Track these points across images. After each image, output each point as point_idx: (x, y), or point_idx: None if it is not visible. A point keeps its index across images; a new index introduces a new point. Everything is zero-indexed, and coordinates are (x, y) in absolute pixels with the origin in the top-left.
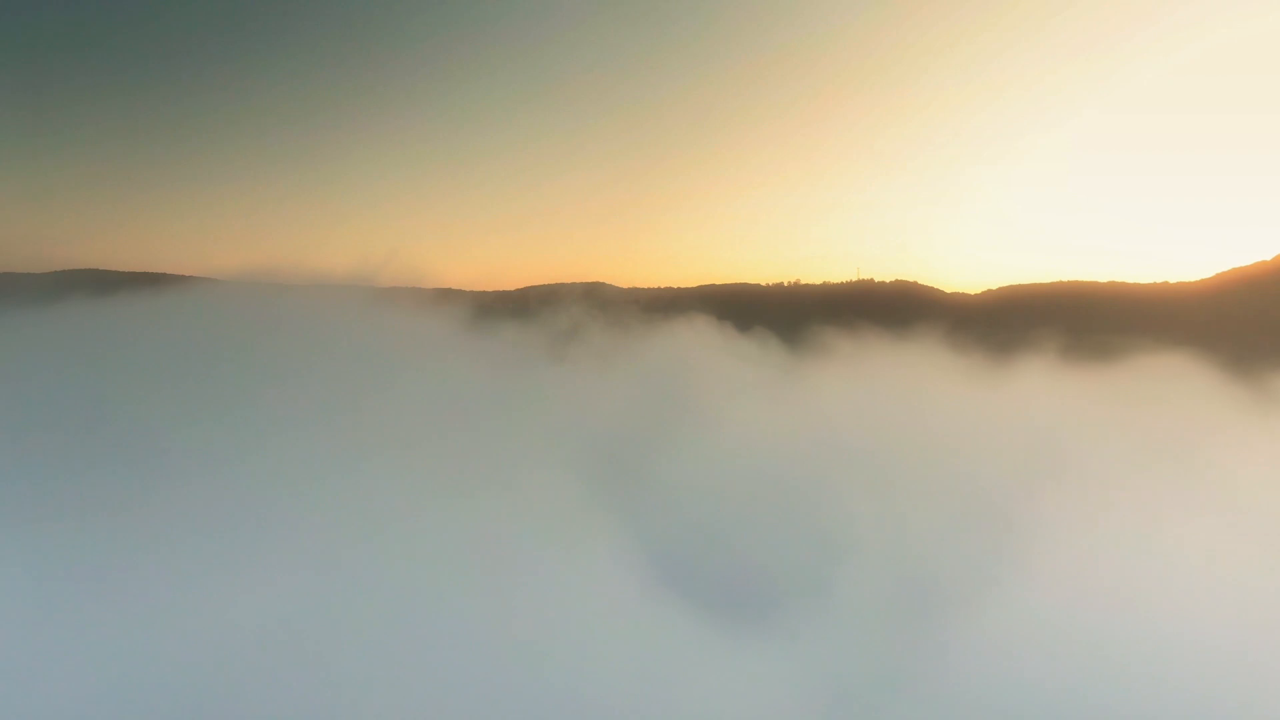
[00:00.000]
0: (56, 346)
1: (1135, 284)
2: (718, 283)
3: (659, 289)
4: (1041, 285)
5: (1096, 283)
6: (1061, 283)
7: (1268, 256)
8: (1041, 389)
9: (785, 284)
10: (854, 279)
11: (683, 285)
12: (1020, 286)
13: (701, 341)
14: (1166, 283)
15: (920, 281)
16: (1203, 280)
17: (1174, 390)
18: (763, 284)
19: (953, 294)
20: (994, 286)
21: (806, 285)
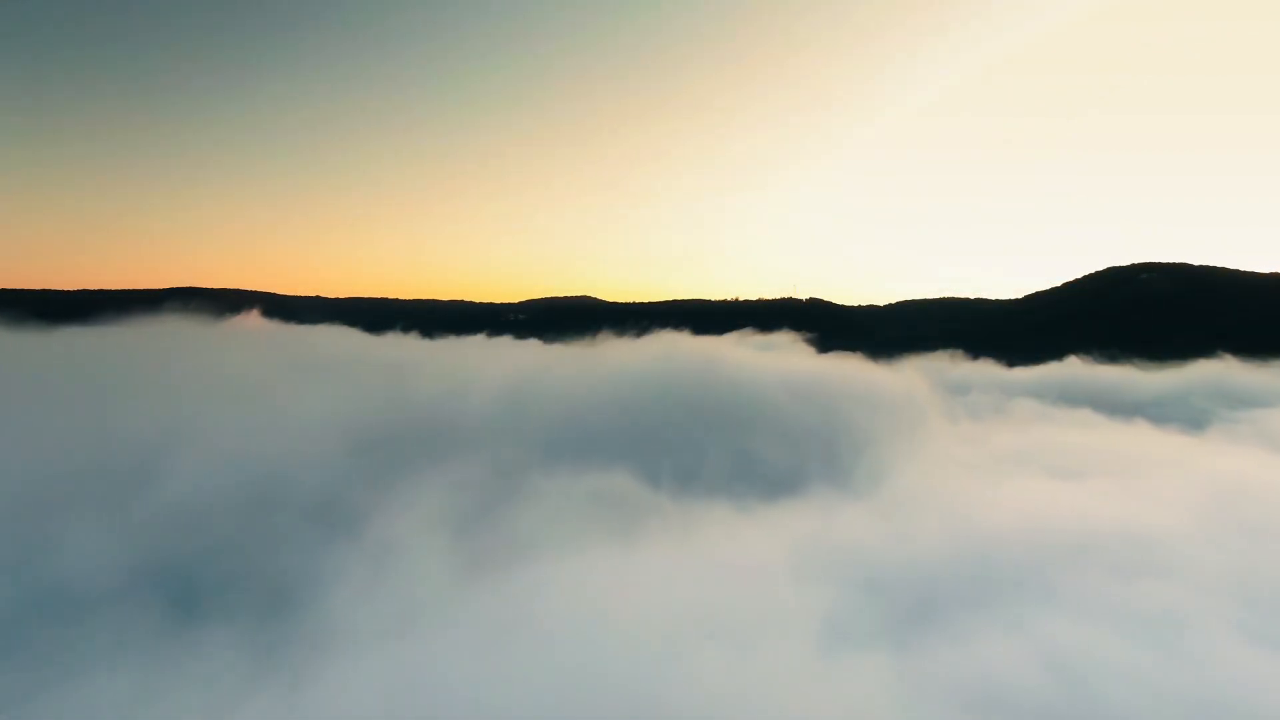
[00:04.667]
0: None
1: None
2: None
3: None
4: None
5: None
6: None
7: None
8: None
9: (728, 300)
10: (784, 295)
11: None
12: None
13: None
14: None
15: (830, 300)
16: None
17: None
18: (709, 299)
19: (865, 307)
20: (893, 300)
21: (745, 301)
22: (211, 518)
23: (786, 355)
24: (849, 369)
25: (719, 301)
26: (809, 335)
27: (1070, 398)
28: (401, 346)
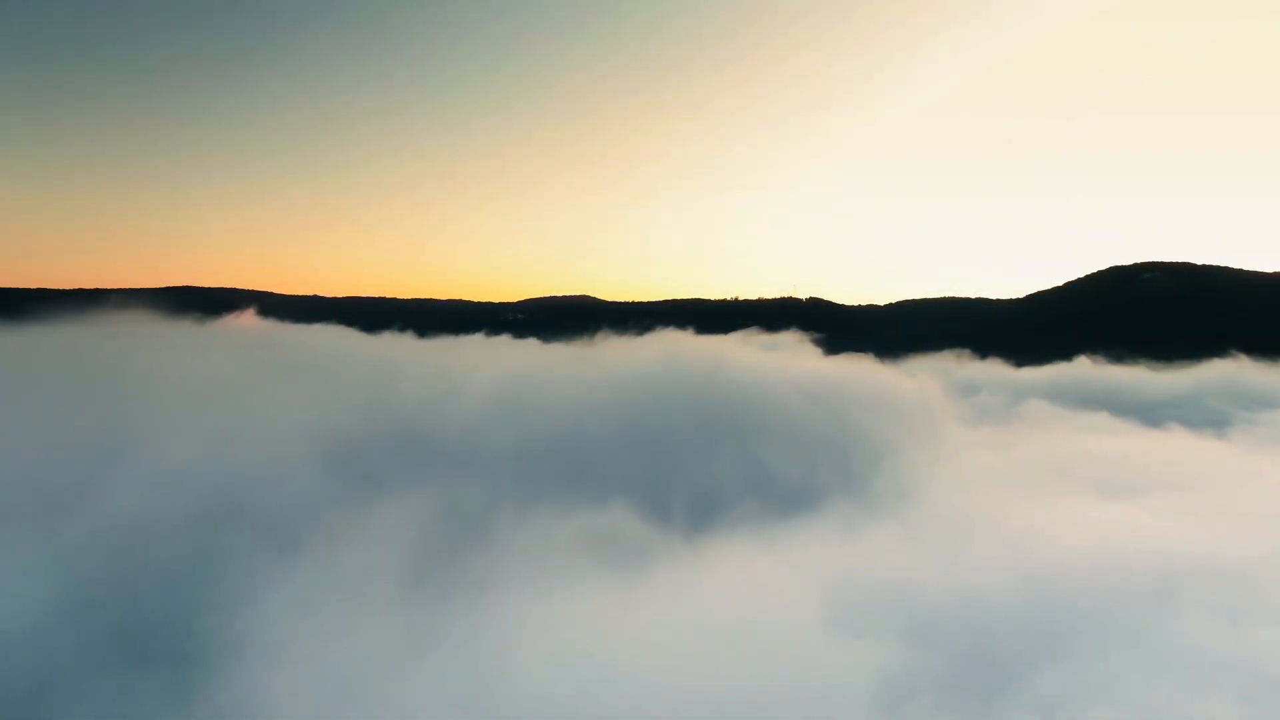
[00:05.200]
0: None
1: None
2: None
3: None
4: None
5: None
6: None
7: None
8: None
9: (728, 299)
10: (785, 295)
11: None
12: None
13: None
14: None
15: (828, 298)
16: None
17: None
18: (710, 298)
19: (866, 306)
20: (894, 300)
21: (745, 301)
22: (153, 539)
23: (795, 356)
24: (859, 371)
25: (719, 301)
26: (815, 335)
27: (1084, 399)
28: (393, 346)
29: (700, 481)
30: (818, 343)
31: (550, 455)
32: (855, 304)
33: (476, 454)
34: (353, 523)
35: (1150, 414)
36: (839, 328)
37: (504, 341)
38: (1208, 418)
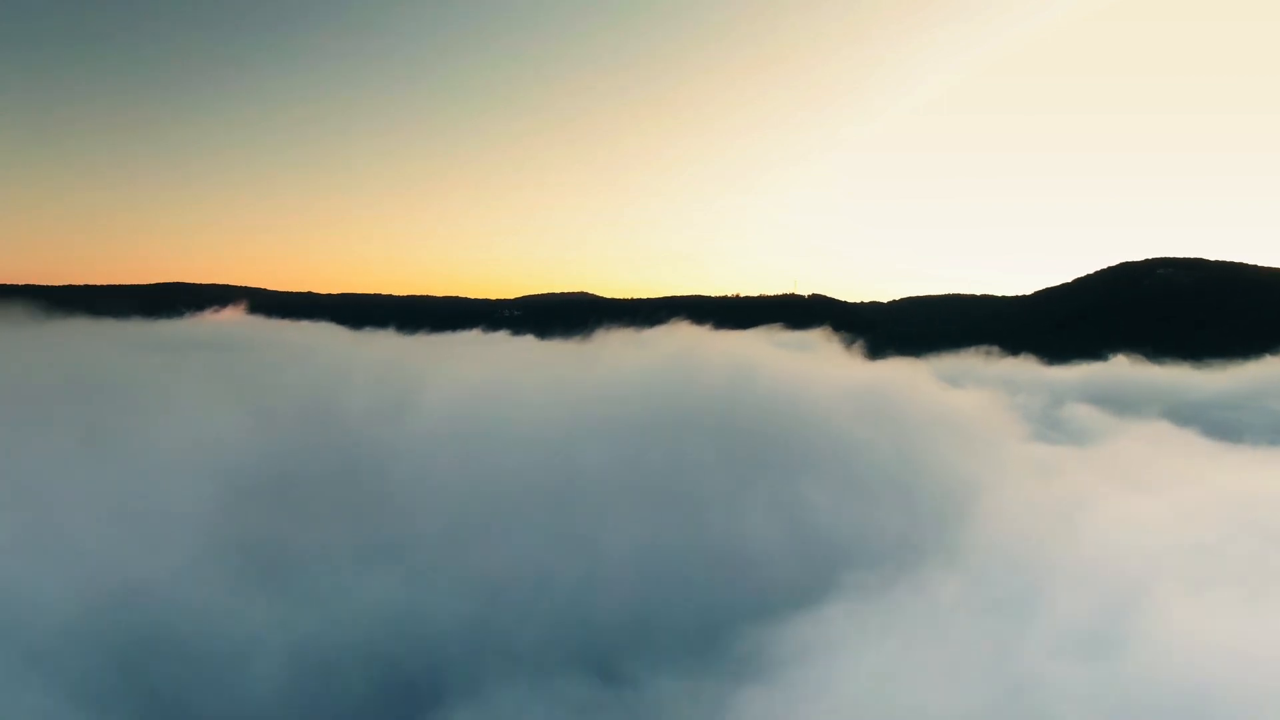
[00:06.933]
0: None
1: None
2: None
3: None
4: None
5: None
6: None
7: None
8: None
9: (729, 295)
10: (785, 292)
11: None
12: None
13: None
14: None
15: (829, 294)
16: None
17: None
18: (711, 295)
19: (869, 304)
20: (897, 297)
21: (749, 297)
22: None
23: (824, 360)
24: (906, 380)
25: (718, 298)
26: (845, 336)
27: (1136, 404)
28: (373, 344)
29: (728, 549)
30: (843, 341)
31: (520, 508)
32: (857, 300)
33: (420, 512)
34: (217, 654)
35: (1212, 420)
36: (841, 325)
37: (500, 338)
38: (1273, 423)
